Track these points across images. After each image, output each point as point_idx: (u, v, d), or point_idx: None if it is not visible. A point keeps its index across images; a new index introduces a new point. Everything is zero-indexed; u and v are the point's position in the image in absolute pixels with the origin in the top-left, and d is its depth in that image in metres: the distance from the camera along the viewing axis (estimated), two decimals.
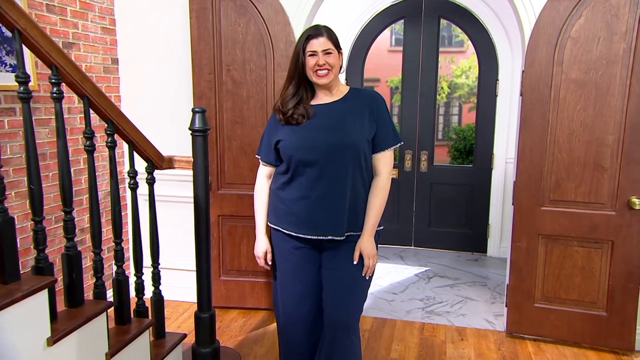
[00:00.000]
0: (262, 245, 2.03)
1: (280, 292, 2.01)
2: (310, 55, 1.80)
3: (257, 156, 2.05)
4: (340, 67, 1.88)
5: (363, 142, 1.84)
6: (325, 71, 1.81)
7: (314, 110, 1.86)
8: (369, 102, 1.89)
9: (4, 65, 2.41)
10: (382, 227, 1.97)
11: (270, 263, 2.05)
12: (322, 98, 1.90)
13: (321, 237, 1.87)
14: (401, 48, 4.48)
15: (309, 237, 1.88)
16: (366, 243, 1.88)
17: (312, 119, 1.85)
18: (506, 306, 2.92)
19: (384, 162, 1.91)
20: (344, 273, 1.91)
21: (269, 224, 2.02)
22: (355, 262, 1.89)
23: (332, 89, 1.89)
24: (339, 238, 1.86)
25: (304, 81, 1.86)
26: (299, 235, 1.89)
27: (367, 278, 1.94)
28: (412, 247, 4.65)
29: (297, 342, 2.01)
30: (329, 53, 1.81)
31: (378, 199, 1.89)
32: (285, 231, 1.92)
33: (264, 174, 2.02)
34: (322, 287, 1.96)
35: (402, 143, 1.98)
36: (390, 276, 3.93)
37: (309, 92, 1.88)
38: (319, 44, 1.79)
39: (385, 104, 1.92)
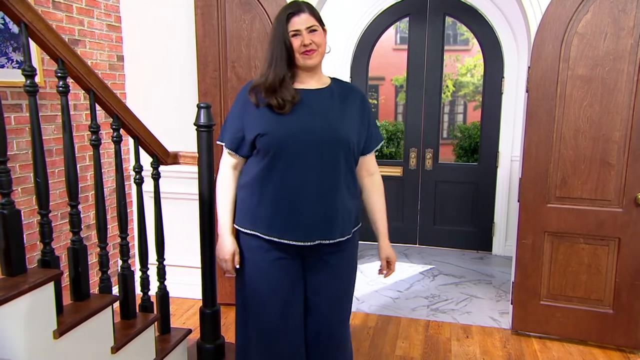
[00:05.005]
0: (228, 246, 1.71)
1: (257, 308, 1.74)
2: (294, 35, 1.60)
3: (219, 143, 1.75)
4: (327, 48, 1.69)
5: (355, 139, 1.68)
6: (312, 51, 1.61)
7: (300, 95, 1.63)
8: (360, 99, 1.74)
9: (10, 62, 2.42)
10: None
11: (237, 267, 1.75)
12: (305, 82, 1.68)
13: (309, 243, 1.64)
14: (406, 46, 4.47)
15: (294, 243, 1.64)
16: (389, 249, 1.85)
17: (298, 104, 1.62)
18: (512, 304, 2.91)
19: (375, 162, 1.83)
20: (337, 283, 1.77)
21: (238, 227, 1.74)
22: (385, 272, 1.86)
23: (317, 73, 1.69)
24: (329, 242, 1.67)
25: (289, 64, 1.63)
26: (281, 241, 1.65)
27: (350, 288, 1.85)
28: (417, 245, 4.64)
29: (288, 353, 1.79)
30: (314, 30, 1.61)
31: (382, 198, 1.84)
32: (264, 236, 1.66)
33: (230, 164, 1.73)
34: (308, 298, 1.78)
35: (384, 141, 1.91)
36: (395, 274, 3.88)
37: (293, 76, 1.65)
38: (301, 21, 1.60)
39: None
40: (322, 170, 1.62)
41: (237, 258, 1.74)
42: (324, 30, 1.67)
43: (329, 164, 1.63)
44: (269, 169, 1.63)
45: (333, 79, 1.76)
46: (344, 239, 1.71)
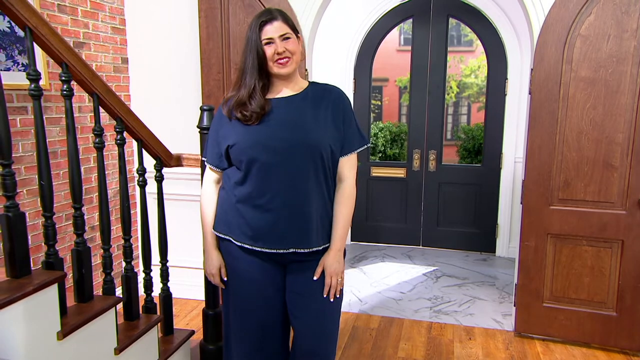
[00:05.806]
0: (214, 260, 1.74)
1: (238, 311, 1.75)
2: (267, 43, 1.57)
3: (203, 158, 1.80)
4: (302, 55, 1.67)
5: (327, 144, 1.61)
6: (286, 59, 1.59)
7: (270, 105, 1.62)
8: (334, 99, 1.67)
9: (16, 65, 2.45)
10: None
11: (225, 279, 1.77)
12: (280, 91, 1.66)
13: (282, 251, 1.62)
14: (410, 47, 4.47)
15: (267, 250, 1.63)
16: (332, 259, 1.66)
17: (268, 114, 1.61)
18: (514, 306, 2.90)
19: (350, 167, 1.69)
20: (317, 297, 1.69)
21: (216, 233, 1.74)
22: (315, 278, 1.67)
23: (292, 81, 1.66)
24: (304, 250, 1.63)
25: (261, 74, 1.62)
26: (254, 248, 1.64)
27: (336, 300, 1.71)
28: (420, 246, 4.64)
29: None
30: (287, 38, 1.58)
31: (346, 208, 1.67)
32: (237, 242, 1.66)
33: (212, 179, 1.76)
34: (289, 312, 1.75)
35: (369, 145, 1.74)
36: (398, 275, 3.92)
37: (265, 86, 1.64)
38: (274, 29, 1.57)
39: (349, 101, 1.73)
40: (292, 179, 1.59)
41: (223, 271, 1.76)
42: (298, 37, 1.65)
43: (299, 172, 1.59)
44: (242, 179, 1.63)
45: (311, 83, 1.72)
46: (321, 248, 1.67)
